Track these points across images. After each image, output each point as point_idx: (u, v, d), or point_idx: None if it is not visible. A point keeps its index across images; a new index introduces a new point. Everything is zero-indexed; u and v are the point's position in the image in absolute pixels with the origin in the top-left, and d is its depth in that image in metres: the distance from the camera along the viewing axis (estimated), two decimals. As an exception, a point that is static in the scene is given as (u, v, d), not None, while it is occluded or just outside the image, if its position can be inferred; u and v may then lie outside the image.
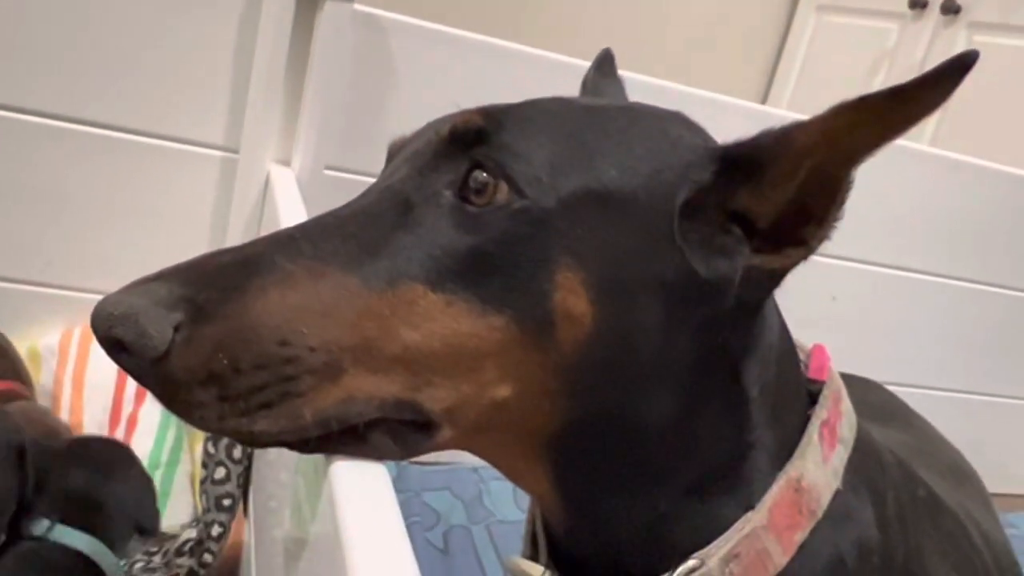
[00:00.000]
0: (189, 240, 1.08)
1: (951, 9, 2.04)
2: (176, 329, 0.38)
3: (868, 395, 0.92)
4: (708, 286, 0.44)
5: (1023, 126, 1.86)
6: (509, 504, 1.15)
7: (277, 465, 0.68)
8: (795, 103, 2.46)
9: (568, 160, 0.43)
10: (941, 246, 1.40)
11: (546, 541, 0.54)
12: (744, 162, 0.44)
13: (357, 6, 1.00)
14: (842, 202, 0.43)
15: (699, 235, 0.44)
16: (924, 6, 2.12)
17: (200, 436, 1.00)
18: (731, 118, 1.15)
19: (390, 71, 1.05)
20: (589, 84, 0.67)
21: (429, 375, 0.42)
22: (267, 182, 1.04)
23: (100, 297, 0.39)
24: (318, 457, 0.45)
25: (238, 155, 1.04)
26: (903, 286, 1.40)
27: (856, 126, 0.40)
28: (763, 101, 2.59)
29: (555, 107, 0.46)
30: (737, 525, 0.47)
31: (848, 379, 0.58)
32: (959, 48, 2.00)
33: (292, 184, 0.99)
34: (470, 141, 0.43)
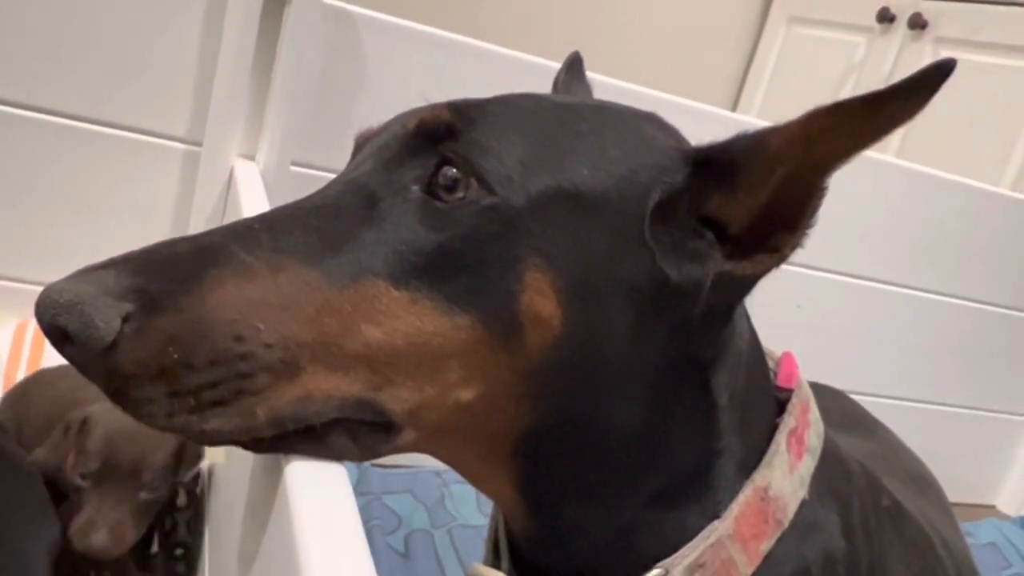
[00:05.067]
0: (149, 234, 1.05)
1: (918, 24, 2.06)
2: (125, 320, 0.36)
3: (833, 403, 0.92)
4: (679, 291, 0.44)
5: (988, 140, 1.89)
6: (472, 508, 1.13)
7: (232, 466, 0.66)
8: (764, 112, 2.48)
9: (539, 158, 0.42)
10: (905, 257, 1.41)
11: (508, 548, 0.53)
12: (718, 165, 0.43)
13: (327, 0, 0.99)
14: (815, 210, 0.42)
15: (671, 239, 0.44)
16: (892, 20, 2.14)
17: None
18: (701, 124, 1.14)
19: (360, 66, 1.04)
20: (560, 86, 0.66)
21: (391, 374, 0.41)
22: (231, 177, 1.02)
23: (56, 288, 0.37)
24: (274, 456, 0.43)
25: (201, 148, 1.02)
26: (867, 296, 1.41)
27: (831, 132, 0.40)
28: (733, 109, 2.60)
29: (527, 104, 0.45)
30: (703, 534, 0.46)
31: (813, 387, 0.58)
32: (925, 63, 2.01)
33: (256, 179, 0.97)
34: (439, 136, 0.42)
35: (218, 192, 1.03)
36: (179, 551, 0.87)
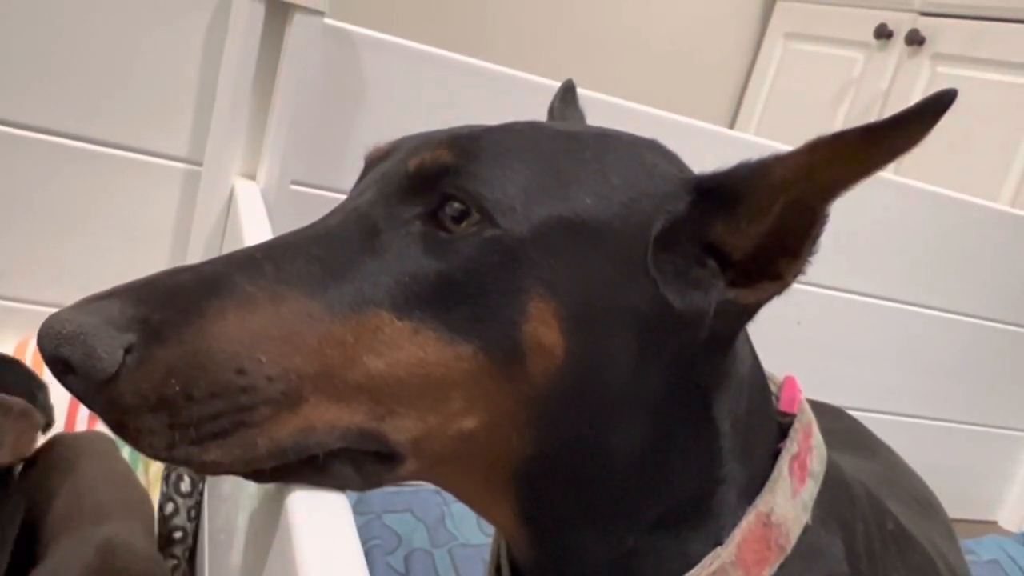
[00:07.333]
0: (149, 254, 1.05)
1: (915, 40, 2.07)
2: (127, 351, 0.36)
3: (835, 423, 0.92)
4: (682, 319, 0.44)
5: (985, 156, 1.89)
6: (472, 527, 1.13)
7: (232, 493, 0.65)
8: (762, 128, 2.48)
9: (542, 187, 0.42)
10: (904, 273, 1.41)
11: (511, 573, 0.53)
12: (720, 194, 0.43)
13: (328, 20, 0.99)
14: (817, 236, 0.42)
15: (673, 267, 0.44)
16: (889, 36, 2.15)
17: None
18: (699, 142, 1.15)
19: (360, 86, 1.04)
20: (556, 113, 0.66)
21: (393, 405, 0.41)
22: (231, 196, 1.02)
23: (55, 310, 0.37)
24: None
25: (202, 167, 1.02)
26: (867, 312, 1.41)
27: (833, 161, 0.40)
28: (731, 126, 2.61)
29: (529, 132, 0.45)
30: (705, 561, 0.46)
31: (815, 407, 0.57)
32: (923, 78, 2.04)
33: (257, 199, 0.97)
34: (439, 176, 0.42)
35: (218, 211, 1.03)
36: (178, 535, 0.87)
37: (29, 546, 0.73)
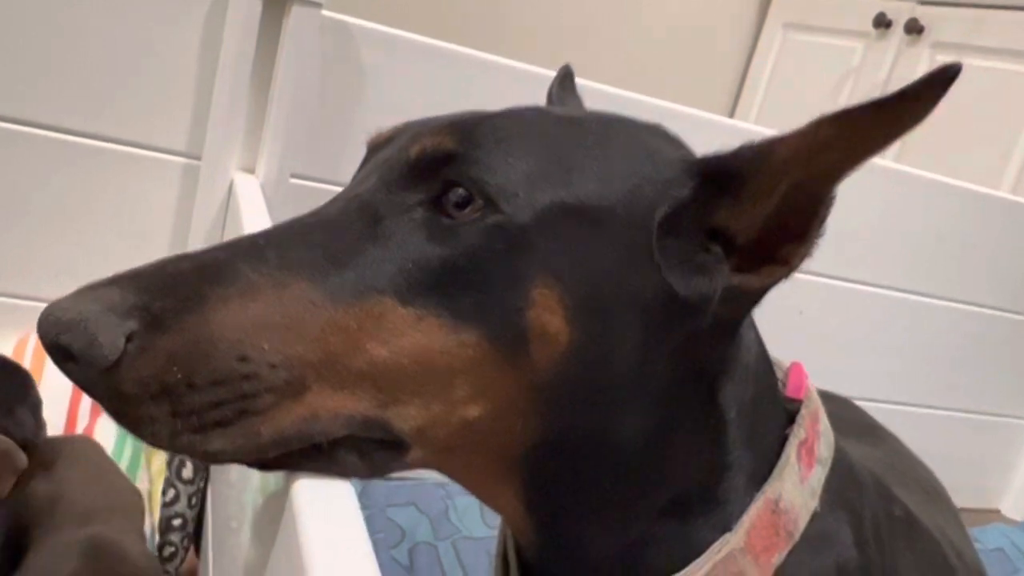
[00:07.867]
0: (148, 248, 1.05)
1: (915, 29, 2.07)
2: (129, 339, 0.36)
3: (841, 411, 0.91)
4: (686, 305, 0.43)
5: (986, 144, 1.89)
6: (476, 520, 1.13)
7: (238, 482, 0.65)
8: (762, 118, 2.48)
9: (545, 173, 0.42)
10: (906, 262, 1.41)
11: (518, 562, 0.52)
12: (723, 176, 0.43)
13: (325, 12, 0.99)
14: (823, 219, 0.42)
15: (678, 252, 0.43)
16: (888, 26, 2.15)
17: (159, 452, 0.97)
18: (699, 131, 1.14)
19: (359, 78, 1.04)
20: (554, 99, 0.66)
21: (397, 392, 0.40)
22: (231, 190, 1.02)
23: (56, 304, 0.36)
24: (281, 472, 0.43)
25: (201, 162, 1.02)
26: (869, 301, 1.41)
27: (836, 140, 0.39)
28: (730, 116, 2.60)
29: (532, 117, 0.44)
30: (713, 548, 0.46)
31: (820, 395, 0.57)
32: (922, 67, 2.03)
33: (256, 192, 0.97)
34: (441, 163, 0.42)
35: (218, 205, 1.02)
36: (176, 522, 0.87)
37: (10, 555, 0.73)
